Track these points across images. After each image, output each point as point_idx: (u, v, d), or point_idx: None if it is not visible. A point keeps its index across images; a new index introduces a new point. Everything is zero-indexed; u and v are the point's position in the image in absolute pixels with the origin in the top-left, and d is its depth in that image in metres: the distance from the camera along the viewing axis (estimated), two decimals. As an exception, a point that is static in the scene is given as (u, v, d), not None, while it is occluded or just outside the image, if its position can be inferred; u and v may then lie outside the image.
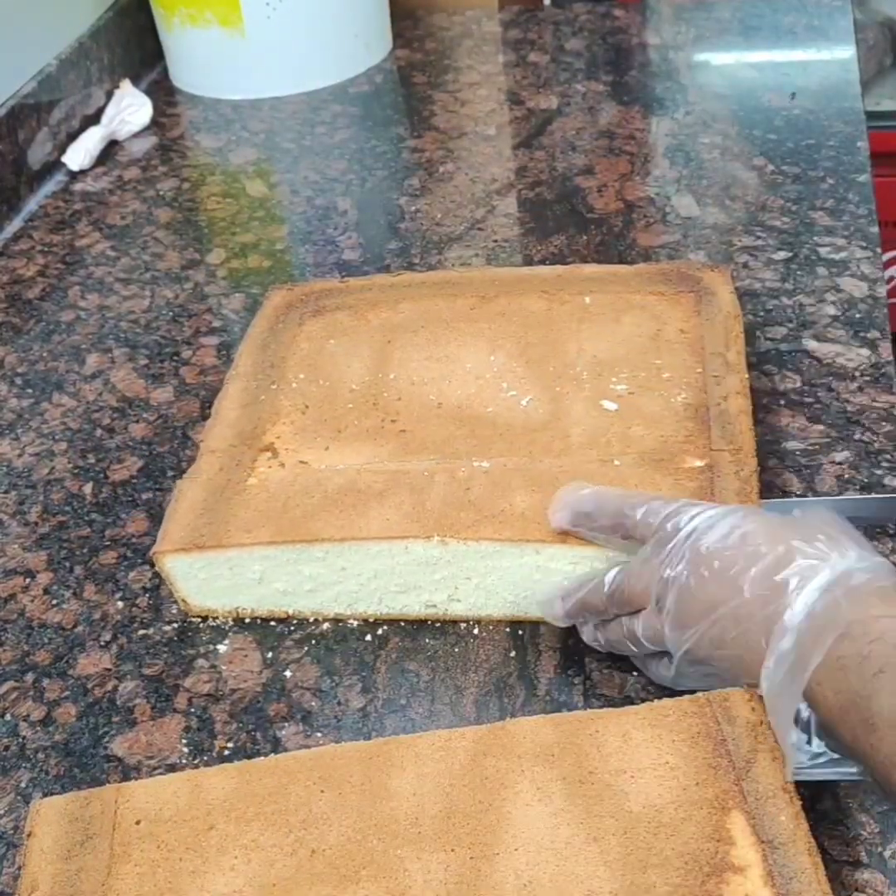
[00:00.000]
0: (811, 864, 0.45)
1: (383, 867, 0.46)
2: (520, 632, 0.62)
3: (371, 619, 0.64)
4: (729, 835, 0.46)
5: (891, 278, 1.74)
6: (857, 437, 0.70)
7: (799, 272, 0.86)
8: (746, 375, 0.68)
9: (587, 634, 0.59)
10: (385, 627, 0.63)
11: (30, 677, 0.63)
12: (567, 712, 0.54)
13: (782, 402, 0.74)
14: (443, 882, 0.46)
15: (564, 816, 0.47)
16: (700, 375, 0.68)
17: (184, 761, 0.57)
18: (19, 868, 0.50)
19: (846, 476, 0.68)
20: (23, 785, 0.57)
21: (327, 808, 0.49)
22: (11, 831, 0.55)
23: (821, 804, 0.51)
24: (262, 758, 0.53)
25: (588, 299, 0.75)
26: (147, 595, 0.67)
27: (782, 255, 0.88)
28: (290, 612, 0.64)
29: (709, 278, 0.76)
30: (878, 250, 0.87)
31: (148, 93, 1.25)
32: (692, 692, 0.53)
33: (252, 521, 0.62)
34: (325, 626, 0.64)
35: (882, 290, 0.83)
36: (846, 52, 1.20)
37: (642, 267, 0.80)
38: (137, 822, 0.49)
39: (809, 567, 0.49)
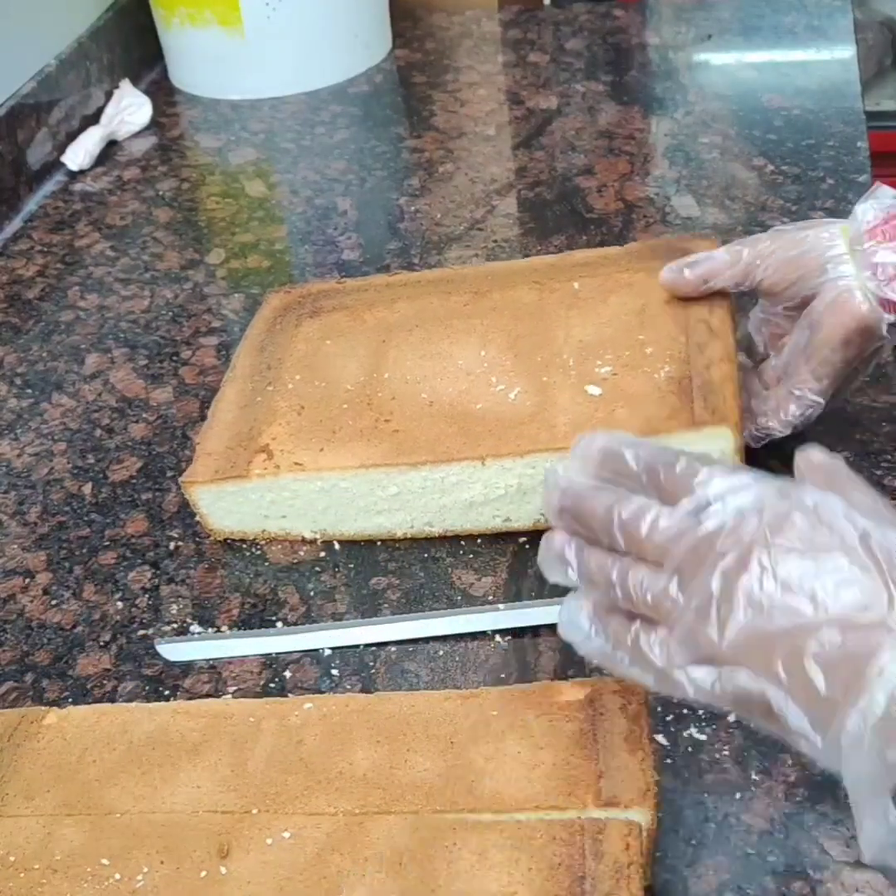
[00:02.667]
0: None
1: None
2: (520, 632, 0.62)
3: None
4: None
5: (891, 278, 1.74)
6: (856, 437, 0.70)
7: (799, 272, 0.86)
8: (732, 340, 0.67)
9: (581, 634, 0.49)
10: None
11: (29, 677, 0.63)
12: (434, 815, 0.48)
13: (782, 402, 0.74)
14: None
15: None
16: (683, 345, 0.67)
17: (183, 762, 0.57)
18: None
19: (846, 476, 0.67)
20: (22, 785, 0.57)
21: (161, 881, 0.47)
22: (11, 832, 0.55)
23: (821, 804, 0.51)
24: (118, 814, 0.50)
25: (577, 285, 0.74)
26: (146, 595, 0.67)
27: (782, 255, 0.88)
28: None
29: (696, 247, 0.73)
30: (878, 250, 0.87)
31: (147, 93, 1.25)
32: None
33: (36, 781, 0.53)
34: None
35: (882, 291, 0.83)
36: (846, 52, 1.19)
37: (633, 246, 0.79)
38: None
39: None
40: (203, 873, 0.47)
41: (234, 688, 0.61)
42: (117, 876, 0.48)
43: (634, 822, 0.46)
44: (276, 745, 0.52)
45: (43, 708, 0.56)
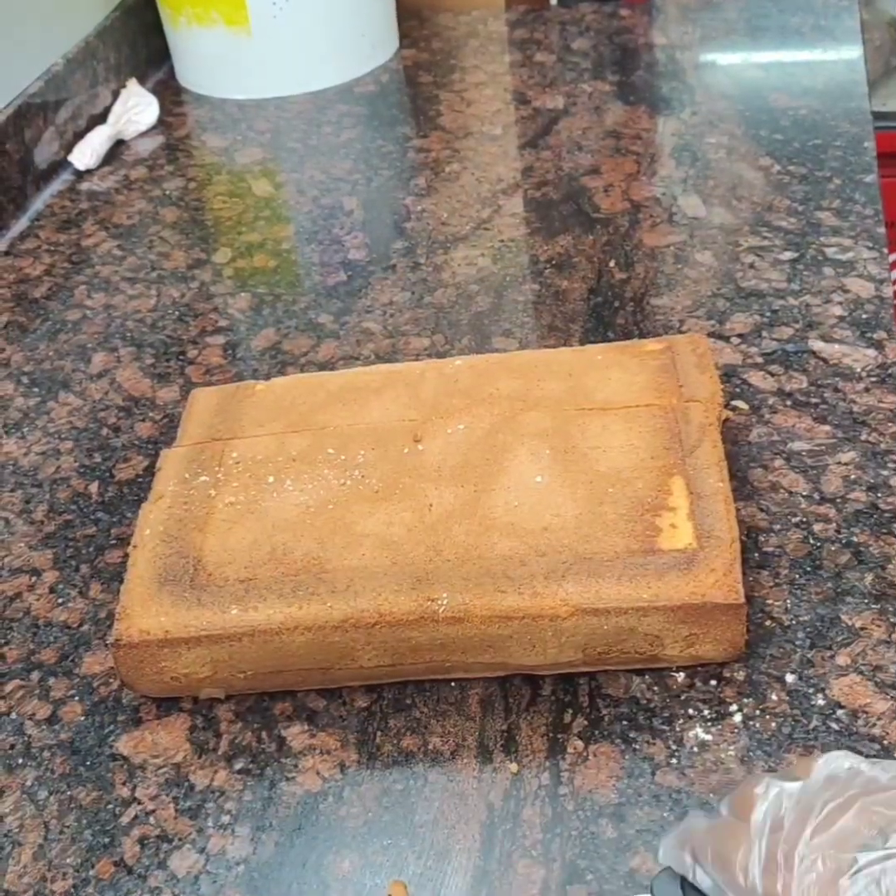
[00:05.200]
0: (724, 509, 0.59)
1: (410, 492, 0.62)
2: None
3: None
4: (669, 488, 0.60)
5: (897, 279, 1.74)
6: (863, 437, 0.70)
7: (805, 272, 0.86)
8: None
9: None
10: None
11: (36, 676, 0.63)
12: (565, 411, 0.66)
13: (788, 402, 0.74)
14: (452, 504, 0.61)
15: (548, 471, 0.62)
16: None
17: (189, 760, 0.57)
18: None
19: (852, 477, 0.67)
20: (28, 783, 0.57)
21: (375, 458, 0.65)
22: (16, 830, 0.55)
23: (826, 805, 0.51)
24: (331, 427, 0.67)
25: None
26: (153, 594, 0.67)
27: (788, 255, 0.88)
28: None
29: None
30: (885, 251, 0.87)
31: (154, 92, 1.26)
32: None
33: (262, 416, 0.69)
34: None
35: (888, 291, 0.83)
36: (853, 53, 1.19)
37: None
38: (237, 462, 0.66)
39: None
40: (405, 450, 0.65)
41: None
42: (343, 457, 0.65)
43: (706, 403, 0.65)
44: (440, 383, 0.70)
45: (252, 381, 0.74)
